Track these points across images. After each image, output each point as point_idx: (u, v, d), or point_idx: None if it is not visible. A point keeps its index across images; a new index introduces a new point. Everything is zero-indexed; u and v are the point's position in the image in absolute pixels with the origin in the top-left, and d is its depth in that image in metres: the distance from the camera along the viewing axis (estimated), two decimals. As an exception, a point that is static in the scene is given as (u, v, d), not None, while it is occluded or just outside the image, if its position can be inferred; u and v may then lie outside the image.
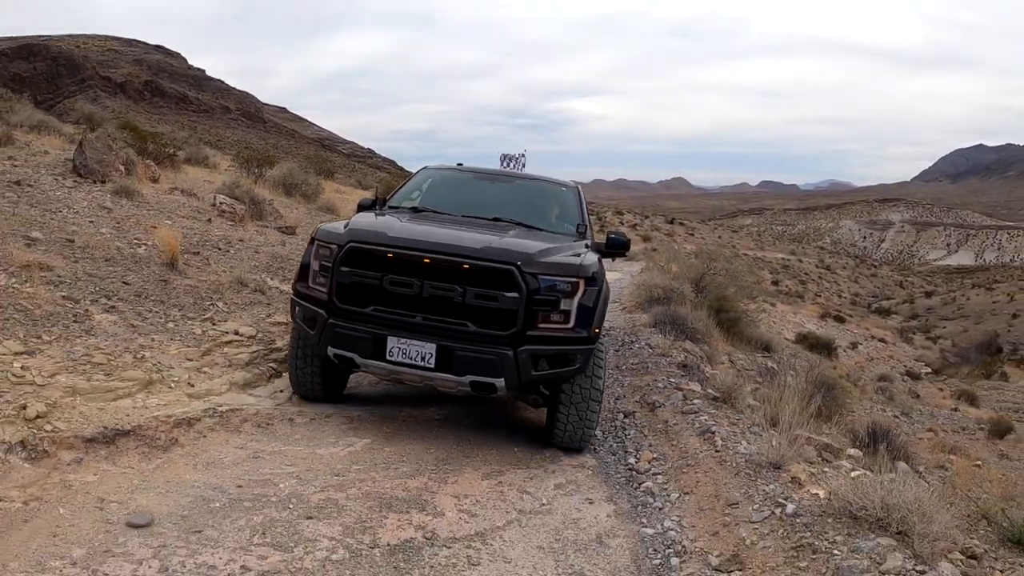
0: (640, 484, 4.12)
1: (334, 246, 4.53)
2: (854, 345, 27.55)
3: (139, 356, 4.58)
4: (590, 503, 3.79)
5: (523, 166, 7.12)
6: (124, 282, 6.27)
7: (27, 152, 10.80)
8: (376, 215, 5.47)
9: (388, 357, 4.27)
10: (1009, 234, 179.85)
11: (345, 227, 4.81)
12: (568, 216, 6.10)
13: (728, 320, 12.56)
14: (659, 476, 4.14)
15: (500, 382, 4.29)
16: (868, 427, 6.29)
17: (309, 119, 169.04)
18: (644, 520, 3.61)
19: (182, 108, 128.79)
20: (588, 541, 3.31)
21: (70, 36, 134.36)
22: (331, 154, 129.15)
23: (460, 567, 2.86)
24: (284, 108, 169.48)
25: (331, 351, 4.43)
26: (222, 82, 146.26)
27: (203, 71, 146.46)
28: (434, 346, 4.24)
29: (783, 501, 3.40)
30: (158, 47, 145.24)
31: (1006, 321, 62.00)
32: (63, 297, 5.42)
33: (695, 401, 5.38)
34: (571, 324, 4.41)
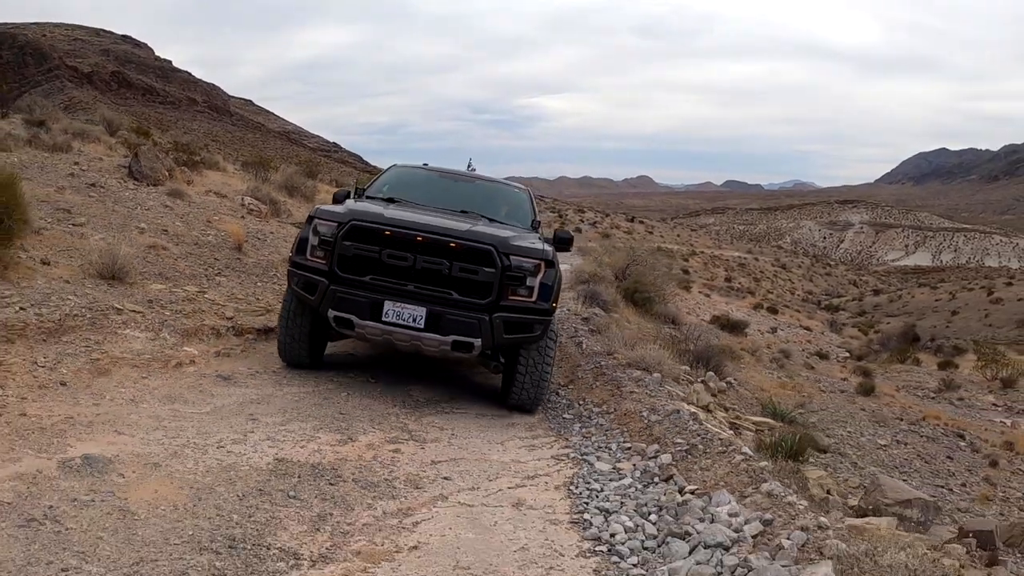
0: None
1: (335, 223, 5.18)
2: (774, 330, 31.55)
3: (257, 297, 7.99)
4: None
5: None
6: (215, 258, 9.56)
7: (86, 159, 13.74)
8: (361, 201, 6.16)
9: (383, 318, 5.01)
10: (966, 236, 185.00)
11: (343, 208, 5.54)
12: (523, 213, 6.93)
13: (642, 299, 16.20)
14: (547, 361, 7.69)
15: (477, 342, 5.07)
16: (696, 352, 9.91)
17: (275, 112, 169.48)
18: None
19: (149, 99, 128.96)
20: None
21: (36, 24, 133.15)
22: (298, 148, 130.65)
23: (440, 365, 6.40)
24: (250, 100, 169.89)
25: (331, 313, 5.09)
26: (189, 74, 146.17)
27: (170, 62, 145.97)
28: (424, 310, 5.01)
29: (601, 362, 6.97)
30: (125, 37, 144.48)
31: (945, 318, 66.26)
32: (186, 266, 8.75)
33: (580, 333, 8.94)
34: (534, 298, 5.25)
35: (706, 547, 3.16)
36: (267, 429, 4.23)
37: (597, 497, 3.89)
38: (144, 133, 22.59)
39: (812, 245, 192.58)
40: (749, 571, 2.88)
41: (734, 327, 22.85)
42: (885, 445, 10.71)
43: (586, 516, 3.61)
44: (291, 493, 3.36)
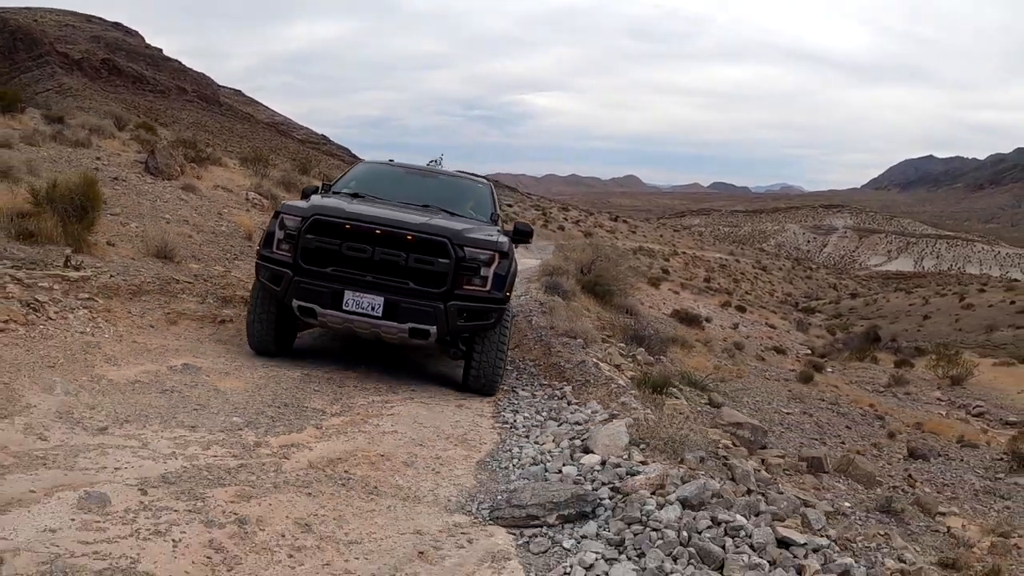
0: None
1: (299, 218, 5.44)
2: (735, 326, 33.72)
3: (270, 276, 9.95)
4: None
5: (441, 166, 9.30)
6: (231, 245, 11.48)
7: (105, 154, 15.46)
8: (327, 196, 6.49)
9: (344, 307, 5.27)
10: (948, 243, 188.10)
11: (307, 203, 5.82)
12: (483, 206, 7.21)
13: (603, 291, 18.24)
14: (502, 332, 9.70)
15: (433, 329, 5.36)
16: (632, 335, 11.95)
17: (264, 103, 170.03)
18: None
19: (138, 88, 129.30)
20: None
21: (27, 9, 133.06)
22: (287, 140, 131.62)
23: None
24: (239, 91, 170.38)
25: (295, 303, 5.35)
26: (179, 63, 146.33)
27: (160, 50, 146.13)
28: (382, 299, 5.27)
29: (543, 333, 8.99)
30: (116, 24, 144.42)
31: (917, 322, 68.47)
32: (210, 250, 10.67)
33: (534, 313, 10.95)
34: (488, 288, 5.52)
35: (569, 424, 5.20)
36: (293, 360, 6.22)
37: (513, 405, 5.92)
38: (151, 129, 24.33)
39: (796, 248, 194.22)
40: (587, 431, 4.91)
41: (692, 320, 24.98)
42: (788, 413, 12.76)
43: (502, 413, 5.65)
44: (315, 388, 5.39)
